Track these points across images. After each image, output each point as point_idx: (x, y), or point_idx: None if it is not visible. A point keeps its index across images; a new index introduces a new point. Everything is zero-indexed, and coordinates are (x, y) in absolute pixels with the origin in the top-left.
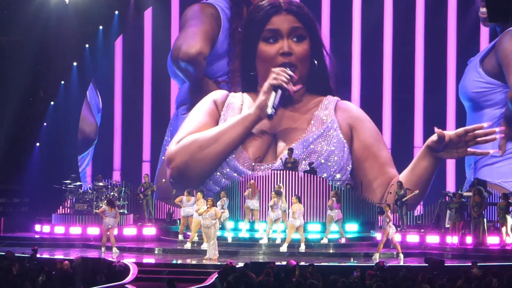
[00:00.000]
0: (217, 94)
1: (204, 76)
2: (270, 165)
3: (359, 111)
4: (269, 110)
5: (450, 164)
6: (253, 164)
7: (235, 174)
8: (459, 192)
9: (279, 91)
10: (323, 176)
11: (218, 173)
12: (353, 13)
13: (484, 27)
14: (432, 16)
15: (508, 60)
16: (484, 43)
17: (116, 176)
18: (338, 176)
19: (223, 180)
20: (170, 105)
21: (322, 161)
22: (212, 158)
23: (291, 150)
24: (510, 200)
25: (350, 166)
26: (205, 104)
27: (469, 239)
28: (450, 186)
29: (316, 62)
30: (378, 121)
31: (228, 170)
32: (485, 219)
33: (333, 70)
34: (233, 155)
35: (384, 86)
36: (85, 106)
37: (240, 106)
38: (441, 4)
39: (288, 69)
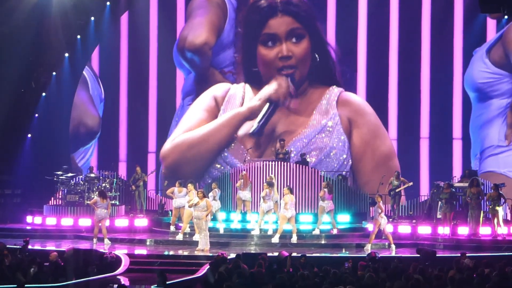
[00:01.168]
0: (218, 89)
1: (210, 66)
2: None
3: (361, 104)
4: (254, 126)
5: (457, 155)
6: (245, 154)
7: (228, 167)
8: (448, 182)
9: (272, 106)
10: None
11: (216, 168)
12: (359, 4)
13: (491, 18)
14: (438, 7)
15: None
16: (491, 33)
17: (122, 167)
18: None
19: (216, 172)
20: (176, 96)
21: (324, 156)
22: (202, 156)
23: (283, 141)
24: (501, 191)
25: (350, 161)
26: (204, 101)
27: (461, 230)
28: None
29: (317, 56)
30: (384, 111)
31: (226, 166)
32: (482, 211)
33: (338, 61)
34: (228, 150)
35: (390, 77)
36: (87, 99)
37: (241, 97)
38: None
39: (290, 82)
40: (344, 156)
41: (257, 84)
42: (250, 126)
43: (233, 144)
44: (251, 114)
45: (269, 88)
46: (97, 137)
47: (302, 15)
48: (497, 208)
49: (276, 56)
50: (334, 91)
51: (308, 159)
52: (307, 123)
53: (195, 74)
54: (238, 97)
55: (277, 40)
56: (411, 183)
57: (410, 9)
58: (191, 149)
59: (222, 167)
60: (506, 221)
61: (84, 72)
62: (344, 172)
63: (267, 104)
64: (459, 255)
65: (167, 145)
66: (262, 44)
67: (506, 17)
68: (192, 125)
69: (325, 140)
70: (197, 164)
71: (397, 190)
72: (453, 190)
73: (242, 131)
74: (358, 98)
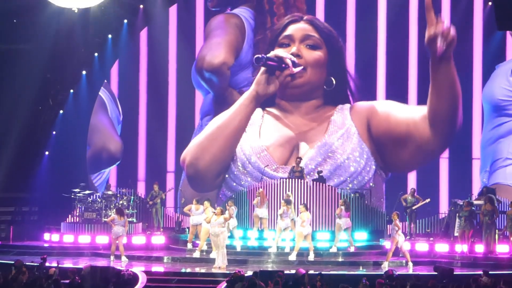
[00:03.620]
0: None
1: (228, 86)
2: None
3: (369, 104)
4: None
5: (476, 173)
6: (263, 170)
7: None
8: (468, 200)
9: (277, 59)
10: (340, 179)
11: (245, 175)
12: (379, 24)
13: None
14: (457, 25)
15: None
16: (510, 50)
17: (141, 186)
18: (360, 178)
19: (249, 179)
20: (194, 116)
21: (339, 164)
22: (221, 145)
23: (299, 159)
24: None
25: (373, 167)
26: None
27: (478, 248)
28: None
29: (333, 79)
30: None
31: (253, 172)
32: (496, 228)
33: (355, 87)
34: (259, 159)
35: (410, 97)
36: (109, 123)
37: (260, 121)
38: (467, 12)
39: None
40: (363, 164)
41: (271, 106)
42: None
43: (262, 154)
44: (258, 87)
45: (272, 52)
46: (118, 163)
47: (324, 31)
48: None
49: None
50: (345, 106)
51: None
52: (324, 132)
53: (214, 94)
54: (258, 119)
55: (292, 41)
56: (428, 200)
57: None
58: (210, 140)
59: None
60: None
61: (101, 94)
62: (362, 191)
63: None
64: (481, 272)
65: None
66: (278, 46)
67: None
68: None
69: (342, 149)
70: (216, 156)
71: (413, 208)
72: (473, 208)
73: (267, 142)
74: (368, 102)
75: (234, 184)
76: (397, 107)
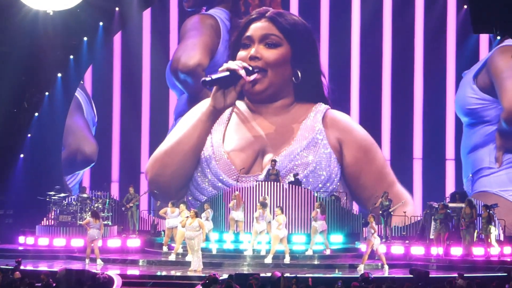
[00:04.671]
0: (204, 106)
1: (203, 87)
2: (255, 176)
3: (347, 122)
4: (206, 77)
5: (450, 175)
6: (238, 174)
7: (219, 184)
8: (443, 203)
9: (229, 73)
10: (308, 187)
11: (205, 184)
12: (352, 26)
13: (484, 38)
14: (431, 28)
15: (500, 80)
16: (483, 54)
17: (115, 188)
18: (328, 184)
19: (210, 188)
20: (168, 116)
21: (308, 172)
22: (180, 160)
23: (274, 162)
24: (491, 211)
25: (338, 175)
26: (191, 117)
27: (454, 250)
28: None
29: (299, 72)
30: (377, 132)
31: (213, 180)
32: (476, 231)
33: (329, 80)
34: (217, 164)
35: (383, 98)
36: (84, 124)
37: (229, 112)
38: (440, 16)
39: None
40: (331, 170)
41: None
42: (235, 140)
43: (221, 160)
44: (215, 102)
45: (225, 64)
46: (92, 165)
47: (286, 26)
48: (490, 227)
49: (246, 58)
50: (321, 108)
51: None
52: (293, 138)
53: (188, 95)
54: (225, 115)
55: (252, 42)
56: (403, 201)
57: (402, 30)
58: (168, 155)
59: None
60: (499, 242)
61: (77, 95)
62: (337, 193)
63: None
64: (456, 275)
65: (149, 162)
66: (242, 48)
67: (498, 37)
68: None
69: (310, 156)
70: (176, 171)
71: (390, 210)
72: (448, 211)
73: (229, 147)
74: (344, 115)
75: (197, 193)
76: (371, 156)
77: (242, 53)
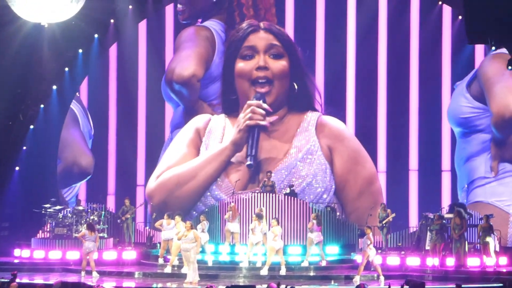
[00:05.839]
0: (199, 121)
1: (199, 99)
2: (252, 193)
3: (339, 129)
4: (248, 161)
5: (446, 186)
6: (233, 187)
7: (213, 202)
8: (439, 214)
9: (256, 133)
10: (305, 199)
11: (200, 203)
12: (348, 35)
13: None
14: (427, 38)
15: (488, 86)
16: (479, 61)
17: (111, 200)
18: (325, 196)
19: (202, 205)
20: (164, 128)
21: (304, 184)
22: (191, 194)
23: (269, 173)
24: (490, 222)
25: (333, 186)
26: (186, 134)
27: (449, 261)
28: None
29: (296, 85)
30: (373, 144)
31: (210, 199)
32: (466, 241)
33: (318, 92)
34: (215, 185)
35: (379, 110)
36: (81, 137)
37: (222, 129)
38: (436, 27)
39: (263, 102)
40: (327, 182)
41: (235, 113)
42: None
43: (219, 179)
44: (236, 147)
45: (244, 116)
46: (89, 178)
47: (284, 38)
48: (487, 239)
49: (252, 68)
50: (313, 115)
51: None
52: (287, 151)
53: (184, 106)
54: (220, 128)
55: (256, 53)
56: (393, 215)
57: (398, 40)
58: (179, 187)
59: (207, 201)
60: (495, 252)
61: (73, 108)
62: (333, 204)
63: (250, 139)
64: (453, 286)
65: (152, 183)
66: (240, 58)
67: (493, 48)
68: (176, 160)
69: (307, 168)
70: (185, 201)
71: (383, 222)
72: (444, 221)
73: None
74: (336, 122)
75: (194, 212)
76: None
77: (242, 64)
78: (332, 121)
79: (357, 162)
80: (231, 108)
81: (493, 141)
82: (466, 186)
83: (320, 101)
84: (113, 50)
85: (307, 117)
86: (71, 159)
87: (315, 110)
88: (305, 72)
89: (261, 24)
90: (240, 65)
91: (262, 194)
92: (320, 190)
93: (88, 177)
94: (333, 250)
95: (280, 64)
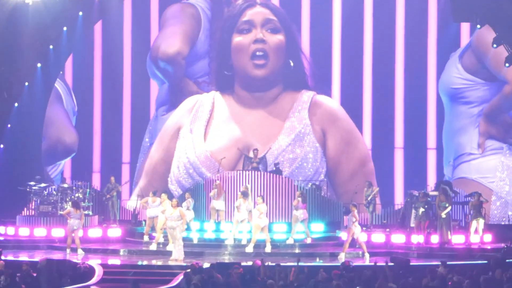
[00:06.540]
0: (183, 115)
1: (184, 76)
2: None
3: (333, 110)
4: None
5: (431, 164)
6: (219, 164)
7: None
8: (424, 191)
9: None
10: (299, 180)
11: (188, 182)
12: (333, 11)
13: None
14: (412, 15)
15: (493, 54)
16: (465, 39)
17: (96, 178)
18: (315, 178)
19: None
20: (150, 106)
21: (297, 165)
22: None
23: (256, 150)
24: (481, 199)
25: (324, 168)
26: (167, 133)
27: (434, 238)
28: (432, 183)
29: (291, 62)
30: (358, 122)
31: (195, 176)
32: (451, 219)
33: (311, 70)
34: (201, 164)
35: (364, 87)
36: (64, 115)
37: (211, 105)
38: (421, 5)
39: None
40: (318, 164)
41: (229, 91)
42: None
43: (204, 156)
44: None
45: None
46: (73, 155)
47: (280, 13)
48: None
49: (250, 41)
50: (307, 95)
51: (281, 169)
52: (280, 131)
53: (169, 84)
54: (207, 106)
55: (253, 27)
56: (377, 189)
57: (384, 16)
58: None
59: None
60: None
61: (57, 86)
62: (317, 182)
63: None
64: (436, 263)
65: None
66: (237, 33)
67: (478, 26)
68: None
69: (298, 150)
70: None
71: (369, 199)
72: (429, 199)
73: (213, 147)
74: (331, 102)
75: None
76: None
77: (240, 38)
78: (326, 101)
79: (350, 143)
80: (226, 85)
81: (484, 116)
82: (452, 161)
83: (309, 82)
84: (98, 28)
85: (301, 96)
86: (55, 137)
87: (309, 89)
88: (300, 49)
89: (258, 1)
90: (238, 39)
91: (247, 171)
92: (310, 172)
93: (73, 154)
94: (318, 228)
95: (276, 39)
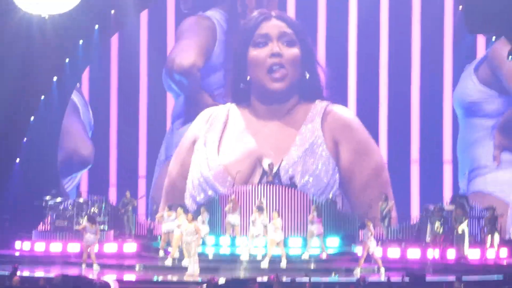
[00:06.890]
0: (198, 128)
1: (200, 89)
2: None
3: (346, 120)
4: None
5: (447, 177)
6: (233, 179)
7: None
8: (439, 205)
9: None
10: (308, 193)
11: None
12: (349, 23)
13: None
14: (428, 27)
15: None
16: (481, 52)
17: (113, 191)
18: (328, 189)
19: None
20: (166, 119)
21: (310, 179)
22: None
23: (271, 164)
24: (496, 214)
25: (337, 179)
26: (183, 149)
27: (450, 253)
28: (448, 197)
29: (307, 74)
30: (374, 135)
31: (209, 192)
32: (467, 233)
33: (326, 81)
34: (214, 178)
35: (380, 100)
36: (81, 127)
37: (225, 119)
38: (438, 12)
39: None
40: (330, 175)
41: (245, 103)
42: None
43: (217, 171)
44: None
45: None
46: (89, 167)
47: (296, 26)
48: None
49: (266, 55)
50: (320, 105)
51: (296, 183)
52: (291, 145)
53: (185, 96)
54: (221, 118)
55: (269, 40)
56: (392, 202)
57: (400, 29)
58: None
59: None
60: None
61: (74, 98)
62: (331, 195)
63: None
64: (451, 278)
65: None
66: (253, 46)
67: (493, 38)
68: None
69: (310, 161)
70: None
71: (384, 213)
72: (444, 213)
73: (227, 160)
74: (344, 111)
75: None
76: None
77: (256, 52)
78: (339, 110)
79: (363, 153)
80: (242, 97)
81: (499, 129)
82: (467, 172)
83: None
84: (114, 40)
85: (315, 106)
86: (71, 147)
87: (324, 99)
88: (316, 60)
89: (273, 12)
90: (254, 53)
91: (262, 185)
92: (323, 183)
93: (89, 166)
94: (334, 242)
95: (292, 52)
